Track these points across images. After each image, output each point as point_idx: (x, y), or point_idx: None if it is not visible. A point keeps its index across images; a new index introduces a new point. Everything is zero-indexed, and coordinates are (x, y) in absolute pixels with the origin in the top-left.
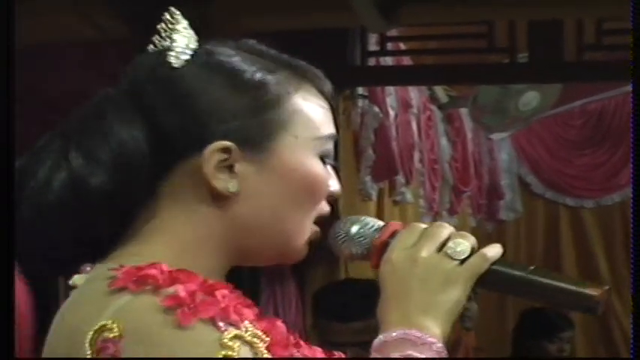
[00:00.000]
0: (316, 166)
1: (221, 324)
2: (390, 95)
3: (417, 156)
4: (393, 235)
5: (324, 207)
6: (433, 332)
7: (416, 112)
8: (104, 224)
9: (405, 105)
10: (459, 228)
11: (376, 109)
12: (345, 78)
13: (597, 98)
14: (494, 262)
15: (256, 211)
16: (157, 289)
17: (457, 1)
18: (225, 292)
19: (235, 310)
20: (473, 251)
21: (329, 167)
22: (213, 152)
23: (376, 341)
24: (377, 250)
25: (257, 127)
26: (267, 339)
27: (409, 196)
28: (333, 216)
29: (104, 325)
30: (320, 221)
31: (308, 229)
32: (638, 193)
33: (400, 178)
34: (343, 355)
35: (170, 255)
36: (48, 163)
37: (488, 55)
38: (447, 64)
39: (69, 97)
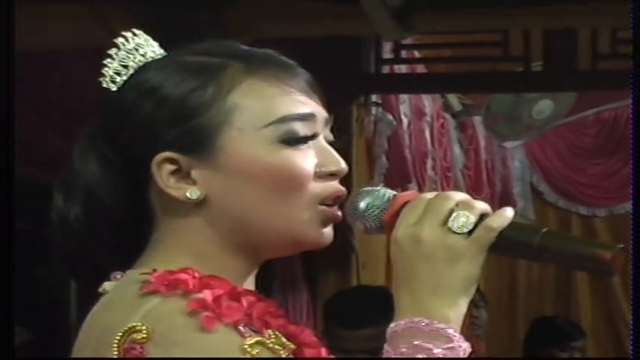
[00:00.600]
0: (273, 155)
1: (244, 330)
2: (404, 103)
3: (429, 164)
4: (404, 207)
5: (326, 187)
6: (443, 315)
7: (429, 120)
8: (109, 243)
9: (418, 113)
10: None
11: (390, 116)
12: (359, 85)
13: (611, 107)
14: (505, 228)
15: (235, 211)
16: (187, 293)
17: (473, 10)
18: (252, 299)
19: (260, 317)
20: (482, 218)
21: (317, 145)
22: (157, 165)
23: (388, 330)
24: (388, 226)
25: (193, 132)
26: (293, 346)
27: None
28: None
29: (133, 327)
30: (338, 201)
31: (307, 214)
32: (638, 193)
33: (413, 186)
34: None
35: (188, 261)
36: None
37: (503, 63)
38: (462, 72)
39: (87, 105)
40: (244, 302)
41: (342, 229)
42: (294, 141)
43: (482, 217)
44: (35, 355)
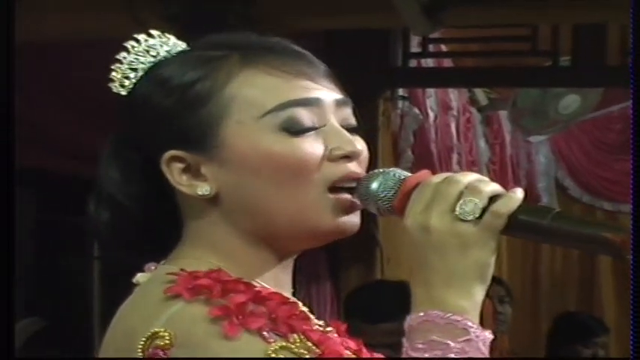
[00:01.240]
0: (275, 144)
1: (268, 335)
2: (430, 97)
3: (455, 158)
4: (415, 188)
5: (338, 170)
6: (457, 306)
7: (455, 114)
8: (139, 245)
9: (444, 107)
10: None
11: (416, 110)
12: (386, 79)
13: None
14: (515, 211)
15: (247, 204)
16: (210, 299)
17: (502, 4)
18: (277, 302)
19: (285, 321)
20: (493, 200)
21: (328, 128)
22: (166, 164)
23: (405, 323)
24: (399, 209)
25: (195, 127)
26: (318, 350)
27: None
28: None
29: (157, 333)
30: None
31: (318, 201)
32: (638, 193)
33: None
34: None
35: (215, 257)
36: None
37: (531, 57)
38: (489, 66)
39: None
40: (270, 307)
41: (366, 223)
42: (296, 128)
43: (493, 199)
44: (50, 343)
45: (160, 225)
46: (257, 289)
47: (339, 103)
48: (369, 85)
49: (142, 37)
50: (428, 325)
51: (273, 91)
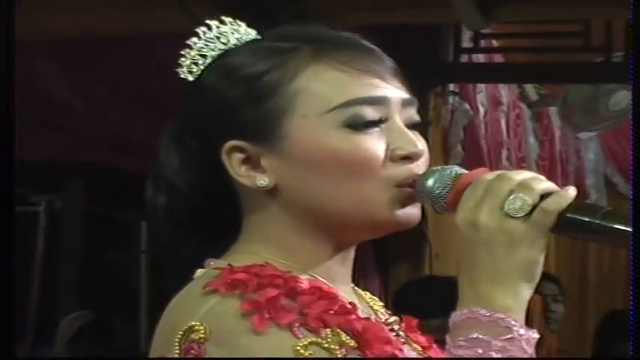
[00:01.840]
0: (339, 140)
1: (298, 330)
2: (481, 92)
3: (504, 154)
4: (469, 186)
5: (400, 171)
6: (502, 304)
7: (505, 110)
8: (195, 233)
9: (495, 102)
10: None
11: (467, 106)
12: (437, 74)
13: None
14: (565, 209)
15: (306, 197)
16: (244, 293)
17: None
18: (312, 297)
19: (318, 317)
20: (544, 198)
21: (392, 127)
22: (227, 154)
23: (450, 319)
24: (452, 206)
25: (260, 118)
26: (353, 344)
27: None
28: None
29: (193, 326)
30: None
31: (379, 196)
32: (638, 192)
33: None
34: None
35: (272, 251)
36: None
37: (583, 53)
38: (540, 62)
39: (172, 94)
40: (302, 301)
41: None
42: (360, 125)
43: (544, 197)
44: (98, 337)
45: (218, 216)
46: (293, 284)
47: (405, 103)
48: (420, 81)
49: (213, 23)
50: (471, 322)
51: (341, 87)
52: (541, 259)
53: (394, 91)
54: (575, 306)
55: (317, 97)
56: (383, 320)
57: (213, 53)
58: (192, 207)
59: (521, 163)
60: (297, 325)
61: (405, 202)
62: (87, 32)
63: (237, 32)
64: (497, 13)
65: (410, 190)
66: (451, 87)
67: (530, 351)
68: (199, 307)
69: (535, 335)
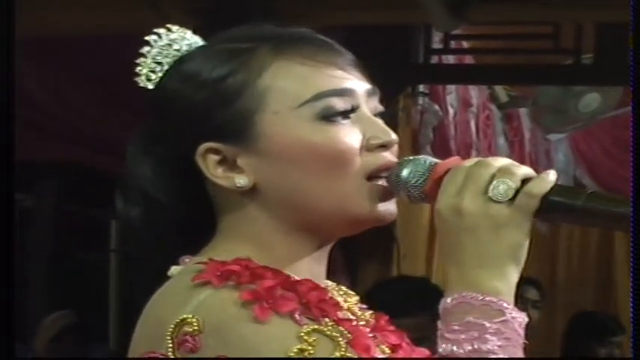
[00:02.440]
0: (314, 132)
1: (299, 318)
2: (451, 93)
3: (474, 155)
4: (446, 174)
5: (376, 159)
6: (492, 288)
7: (475, 111)
8: (173, 241)
9: (464, 104)
10: None
11: (436, 107)
12: (407, 75)
13: None
14: (548, 192)
15: (285, 194)
16: (239, 285)
17: (525, 2)
18: (307, 287)
19: (317, 306)
20: (525, 183)
21: (362, 118)
22: (202, 157)
23: (440, 306)
24: (430, 195)
25: (231, 119)
26: (350, 336)
27: None
28: None
29: (185, 319)
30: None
31: (357, 189)
32: (638, 191)
33: None
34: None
35: (248, 249)
36: None
37: (552, 55)
38: (510, 63)
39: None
40: (299, 291)
41: None
42: (333, 116)
43: (525, 182)
44: (77, 338)
45: (194, 220)
46: (285, 276)
47: (369, 93)
48: (389, 81)
49: (162, 30)
50: (463, 307)
51: (308, 80)
52: (526, 242)
53: (358, 83)
54: (543, 307)
55: (286, 93)
56: (359, 315)
57: (168, 60)
58: (169, 215)
59: None
60: (297, 313)
61: (382, 197)
62: (59, 30)
63: (185, 39)
64: (467, 15)
65: (386, 185)
66: (421, 88)
67: (522, 333)
68: (190, 300)
69: (526, 318)
